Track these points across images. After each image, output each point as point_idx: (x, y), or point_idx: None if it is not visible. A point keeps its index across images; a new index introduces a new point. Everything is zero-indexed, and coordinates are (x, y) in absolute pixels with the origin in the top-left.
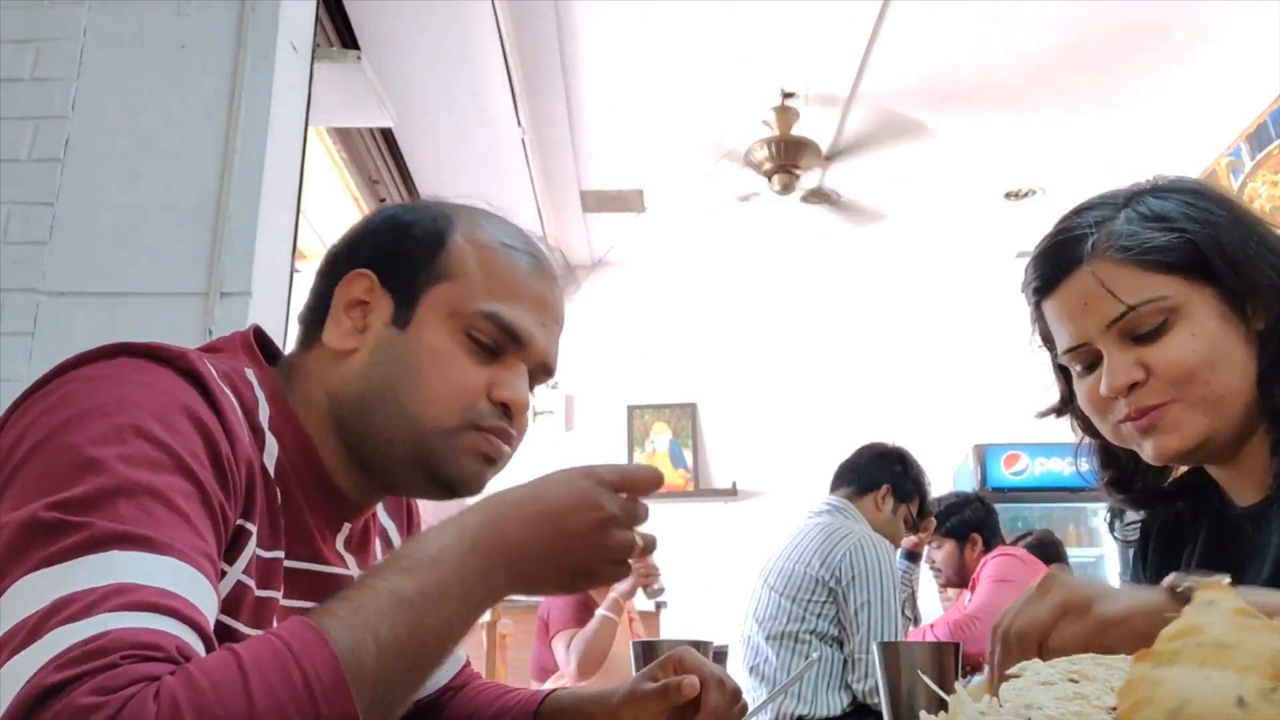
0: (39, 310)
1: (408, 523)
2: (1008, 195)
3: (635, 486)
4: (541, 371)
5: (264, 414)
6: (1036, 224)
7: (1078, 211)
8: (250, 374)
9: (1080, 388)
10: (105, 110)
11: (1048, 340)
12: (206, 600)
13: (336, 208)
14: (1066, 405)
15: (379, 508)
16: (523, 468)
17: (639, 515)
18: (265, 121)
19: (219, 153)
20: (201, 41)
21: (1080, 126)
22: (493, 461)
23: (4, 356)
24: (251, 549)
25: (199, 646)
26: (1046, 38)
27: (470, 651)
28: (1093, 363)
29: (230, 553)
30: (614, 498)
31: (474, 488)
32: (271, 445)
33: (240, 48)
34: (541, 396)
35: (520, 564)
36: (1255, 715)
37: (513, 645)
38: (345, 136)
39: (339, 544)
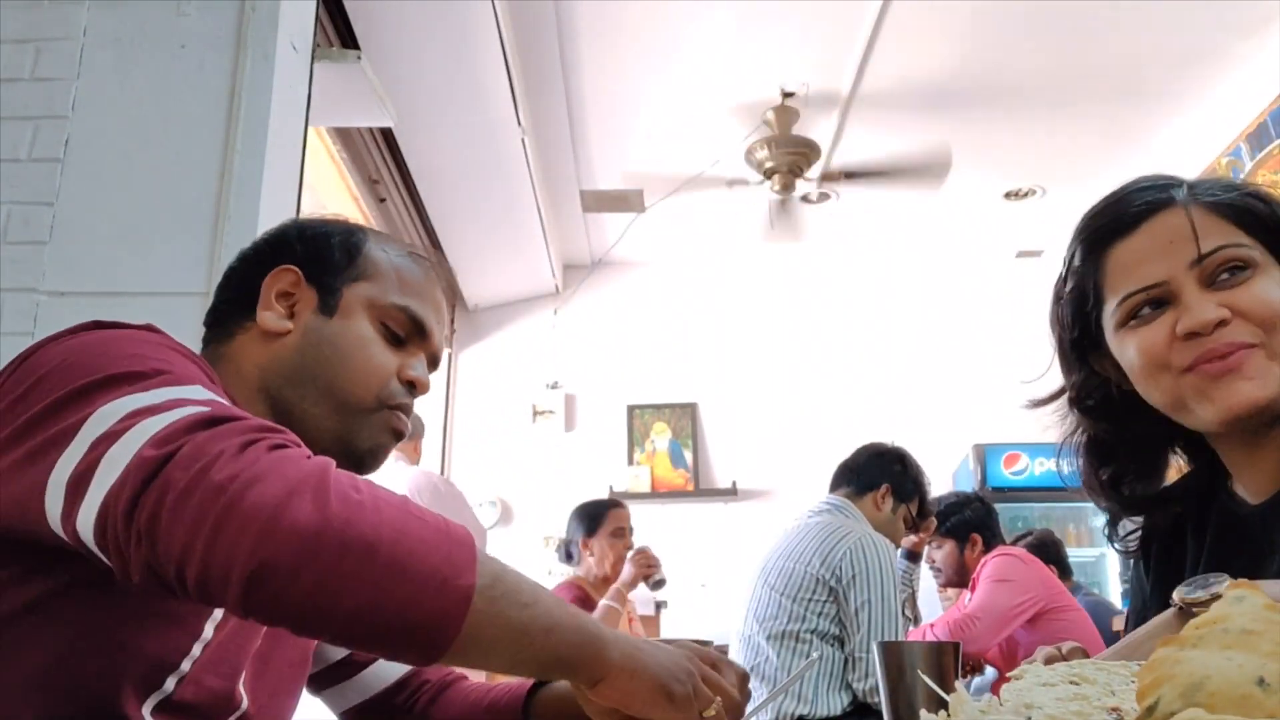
0: (39, 310)
1: None
2: (1008, 195)
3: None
4: (432, 362)
5: None
6: (1036, 224)
7: (1146, 177)
8: None
9: (1134, 338)
10: (105, 110)
11: (1079, 304)
12: None
13: (336, 208)
14: (1085, 383)
15: None
16: (524, 468)
17: (723, 686)
18: (265, 121)
19: (219, 153)
20: (201, 41)
21: (1080, 126)
22: (397, 436)
23: (4, 356)
24: None
25: None
26: (1046, 38)
27: None
28: (1157, 305)
29: None
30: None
31: (380, 459)
32: None
33: (240, 48)
34: (542, 396)
35: (624, 639)
36: (1275, 697)
37: None
38: (345, 136)
39: None
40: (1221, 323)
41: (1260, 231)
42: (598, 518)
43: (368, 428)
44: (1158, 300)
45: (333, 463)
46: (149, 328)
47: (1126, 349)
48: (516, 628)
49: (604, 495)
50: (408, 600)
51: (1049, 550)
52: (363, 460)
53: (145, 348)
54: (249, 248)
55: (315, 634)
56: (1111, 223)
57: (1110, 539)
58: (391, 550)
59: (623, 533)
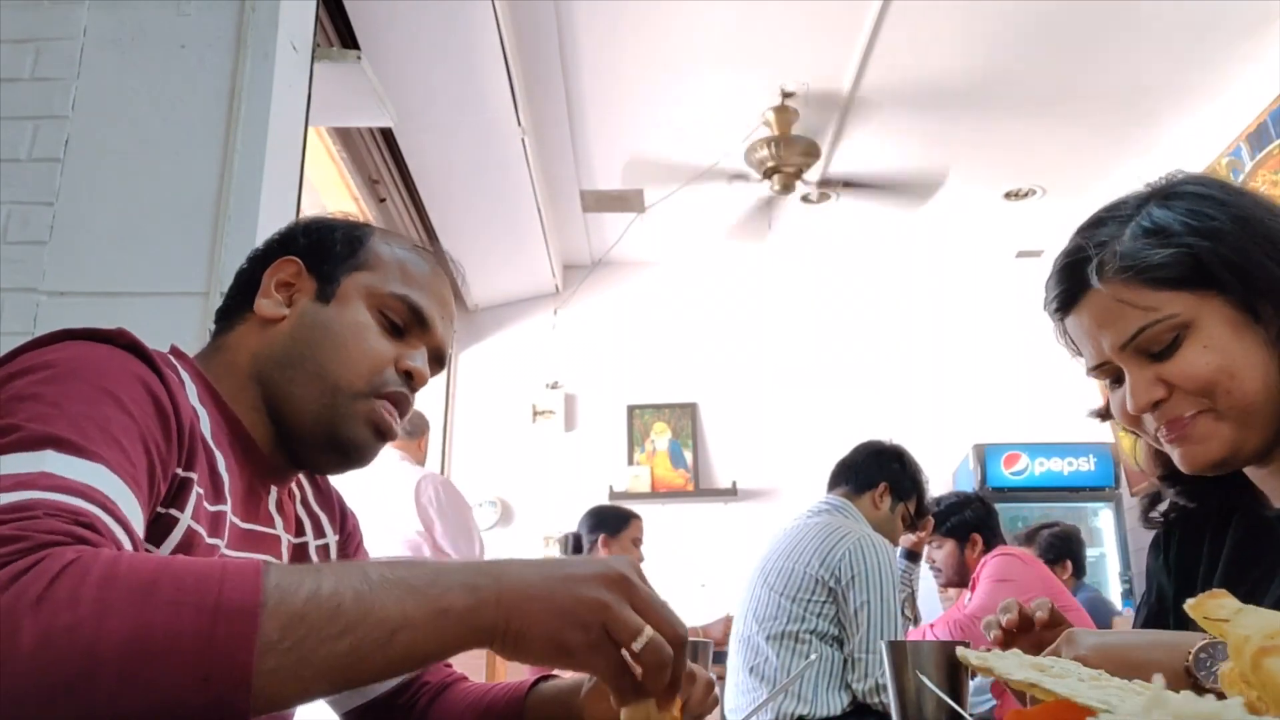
0: (39, 310)
1: (341, 521)
2: (1008, 195)
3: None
4: (435, 359)
5: (190, 391)
6: (1036, 224)
7: (1089, 226)
8: (171, 358)
9: (1113, 401)
10: (105, 110)
11: (1079, 351)
12: (131, 510)
13: (336, 208)
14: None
15: (310, 495)
16: (524, 468)
17: (663, 616)
18: (265, 121)
19: (219, 153)
20: (201, 41)
21: (1081, 127)
22: (383, 436)
23: None
24: (195, 498)
25: (121, 534)
26: (1046, 38)
27: (469, 652)
28: (1119, 376)
29: (177, 500)
30: (644, 585)
31: (365, 455)
32: (204, 416)
33: (240, 48)
34: (542, 396)
35: (516, 579)
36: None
37: None
38: (345, 136)
39: (271, 506)
40: (1161, 400)
41: (1189, 283)
42: (624, 521)
43: (352, 416)
44: (1112, 373)
45: (58, 561)
46: (118, 335)
47: (1113, 405)
48: (339, 659)
49: (604, 495)
50: (163, 706)
51: (1067, 545)
52: (345, 452)
53: (49, 385)
54: (259, 246)
55: None
56: (1054, 301)
57: (1145, 515)
58: (120, 666)
59: (639, 543)
